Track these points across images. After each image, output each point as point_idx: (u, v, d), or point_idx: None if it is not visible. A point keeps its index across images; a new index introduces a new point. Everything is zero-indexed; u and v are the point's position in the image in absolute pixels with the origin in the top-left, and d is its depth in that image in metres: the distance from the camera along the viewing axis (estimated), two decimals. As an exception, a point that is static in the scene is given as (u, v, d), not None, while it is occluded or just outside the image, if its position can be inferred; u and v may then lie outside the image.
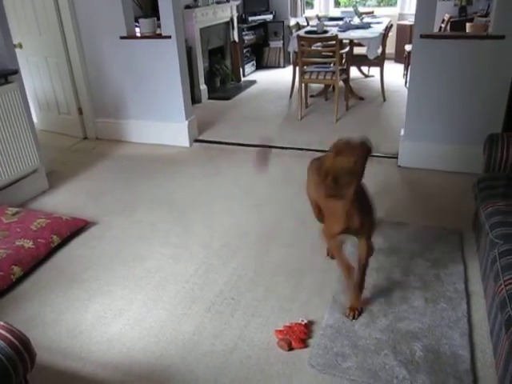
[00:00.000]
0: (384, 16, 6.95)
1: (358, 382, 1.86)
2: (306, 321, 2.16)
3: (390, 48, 7.09)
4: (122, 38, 4.29)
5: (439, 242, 2.76)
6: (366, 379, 1.86)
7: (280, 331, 2.11)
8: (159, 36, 4.24)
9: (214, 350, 2.07)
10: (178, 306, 2.36)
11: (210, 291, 2.45)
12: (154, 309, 2.34)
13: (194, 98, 5.76)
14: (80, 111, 4.72)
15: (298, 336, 2.07)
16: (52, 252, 2.83)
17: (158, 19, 4.23)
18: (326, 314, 2.22)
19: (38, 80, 4.79)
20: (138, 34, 4.42)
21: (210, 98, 6.18)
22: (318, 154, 4.12)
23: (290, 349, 2.04)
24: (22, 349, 1.35)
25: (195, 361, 2.01)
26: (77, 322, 2.28)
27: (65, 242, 2.94)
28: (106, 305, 2.39)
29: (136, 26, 4.47)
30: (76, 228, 3.03)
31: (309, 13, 8.43)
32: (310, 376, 1.91)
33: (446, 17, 6.02)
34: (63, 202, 3.50)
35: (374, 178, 3.69)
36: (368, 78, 6.79)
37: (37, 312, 2.35)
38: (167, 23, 4.12)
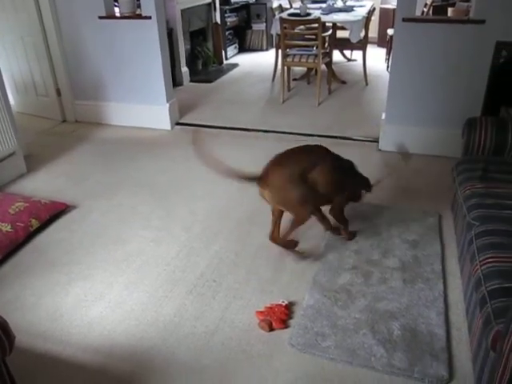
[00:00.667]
0: (367, -1, 6.92)
1: (337, 360, 1.90)
2: (286, 302, 2.18)
3: (373, 32, 7.08)
4: (100, 17, 4.19)
5: (418, 224, 2.81)
6: (345, 358, 1.90)
7: (261, 312, 2.13)
8: (139, 16, 4.16)
9: (195, 332, 2.08)
10: (159, 288, 2.36)
11: (191, 274, 2.46)
12: (135, 292, 2.34)
13: (176, 81, 5.69)
14: (58, 93, 4.62)
15: (279, 317, 2.09)
16: (31, 236, 2.79)
17: (138, -1, 4.15)
18: (307, 295, 2.25)
19: (14, 60, 4.66)
20: (118, 14, 4.33)
21: (191, 81, 6.11)
22: (300, 138, 4.16)
23: (271, 329, 2.06)
24: (0, 331, 1.33)
25: (176, 342, 2.02)
26: (57, 305, 2.27)
27: (44, 225, 2.90)
28: (86, 288, 2.37)
29: (115, 6, 4.38)
30: (55, 211, 2.99)
31: (292, -5, 8.33)
32: (291, 355, 1.94)
33: (429, 1, 6.02)
34: (42, 185, 3.44)
35: (354, 161, 3.71)
36: (350, 62, 6.79)
37: (16, 295, 2.33)
38: (147, 3, 4.03)
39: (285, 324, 2.08)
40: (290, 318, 2.13)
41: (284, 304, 2.17)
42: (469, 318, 2.03)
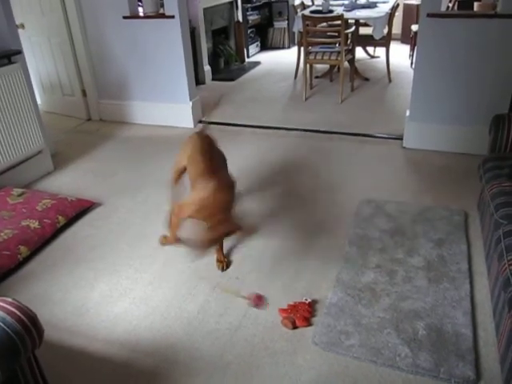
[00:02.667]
0: (390, -5, 6.83)
1: (360, 359, 1.89)
2: (309, 300, 2.18)
3: (396, 28, 6.99)
4: (124, 17, 4.25)
5: (443, 222, 2.76)
6: (369, 357, 1.89)
7: (284, 310, 2.13)
8: (162, 16, 4.20)
9: (218, 328, 2.09)
10: (183, 285, 2.38)
11: (214, 270, 2.47)
12: (160, 288, 2.37)
13: (198, 79, 5.73)
14: (84, 93, 4.71)
15: (302, 315, 2.09)
16: (58, 232, 2.85)
17: (161, -2, 4.19)
18: (330, 293, 2.24)
19: (41, 61, 4.76)
20: (141, 14, 4.38)
21: (213, 79, 6.14)
22: (323, 136, 4.14)
23: (294, 327, 2.06)
24: (30, 324, 1.37)
25: (200, 338, 2.04)
26: (83, 300, 2.31)
27: (70, 222, 2.96)
28: (111, 284, 2.42)
29: (139, 6, 4.43)
30: (81, 209, 3.05)
31: (314, -8, 8.29)
32: (314, 353, 1.93)
33: (454, -4, 5.92)
34: (68, 183, 3.51)
35: (378, 159, 3.69)
36: (373, 59, 6.72)
37: (44, 291, 2.38)
38: (170, 2, 4.07)
39: (308, 322, 2.08)
40: (313, 316, 2.12)
41: (307, 302, 2.16)
42: (496, 319, 1.99)
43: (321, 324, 2.06)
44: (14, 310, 1.37)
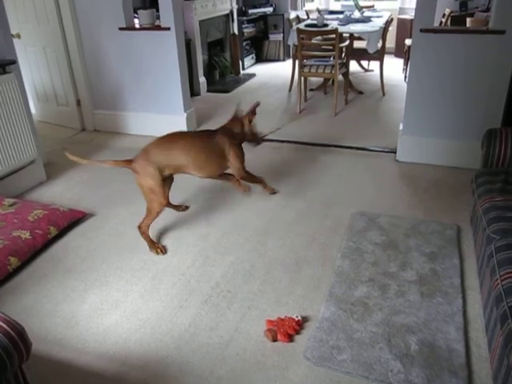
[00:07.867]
0: (384, 10, 6.91)
1: (352, 374, 1.87)
2: (300, 317, 2.14)
3: (390, 42, 7.07)
4: (120, 29, 4.27)
5: (436, 236, 2.76)
6: (361, 372, 1.87)
7: (271, 322, 2.11)
8: (158, 28, 4.22)
9: (210, 342, 2.07)
10: (174, 298, 2.36)
11: (206, 284, 2.46)
12: (151, 300, 2.34)
13: (193, 91, 5.74)
14: (78, 103, 4.71)
15: (286, 330, 2.06)
16: (49, 243, 2.83)
17: (157, 11, 4.21)
18: (322, 308, 2.22)
19: (36, 71, 4.76)
20: (137, 26, 4.40)
21: (208, 91, 6.16)
22: (316, 148, 4.15)
23: (274, 340, 2.04)
24: (17, 338, 1.35)
25: (191, 352, 2.02)
26: (73, 312, 2.28)
27: (62, 233, 2.93)
28: (102, 296, 2.39)
29: (135, 18, 4.45)
30: (73, 219, 3.02)
31: (309, 6, 8.39)
32: (305, 368, 1.92)
33: (447, 11, 5.99)
34: (61, 193, 3.49)
35: (372, 172, 3.70)
36: (367, 73, 6.77)
37: (33, 303, 2.35)
38: (166, 15, 4.10)
39: (289, 338, 2.05)
40: (298, 333, 2.09)
41: (296, 319, 2.13)
42: (489, 334, 1.98)
43: (313, 339, 2.04)
44: (0, 323, 1.35)
